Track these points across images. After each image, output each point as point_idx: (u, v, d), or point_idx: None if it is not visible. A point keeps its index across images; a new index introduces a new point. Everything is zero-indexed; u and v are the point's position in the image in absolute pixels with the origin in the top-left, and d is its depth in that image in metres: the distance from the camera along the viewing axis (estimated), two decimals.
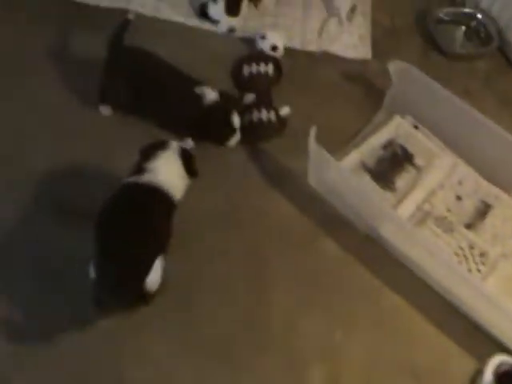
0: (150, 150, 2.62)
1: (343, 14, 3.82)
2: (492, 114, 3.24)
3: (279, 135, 3.23)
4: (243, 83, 3.40)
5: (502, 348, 2.71)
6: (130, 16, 3.11)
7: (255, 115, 3.20)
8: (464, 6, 4.09)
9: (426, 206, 3.13)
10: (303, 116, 3.29)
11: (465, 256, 3.01)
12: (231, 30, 3.61)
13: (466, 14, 4.04)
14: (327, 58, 3.67)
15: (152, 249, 2.45)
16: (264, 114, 3.20)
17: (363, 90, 3.55)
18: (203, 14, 3.65)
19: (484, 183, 3.26)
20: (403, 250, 2.90)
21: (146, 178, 2.54)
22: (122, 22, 3.08)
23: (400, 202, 3.11)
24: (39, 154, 2.98)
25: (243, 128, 3.12)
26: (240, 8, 3.61)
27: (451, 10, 4.06)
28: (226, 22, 3.60)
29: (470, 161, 3.30)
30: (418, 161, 3.30)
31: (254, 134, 3.20)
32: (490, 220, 3.15)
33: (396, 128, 3.36)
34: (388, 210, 2.98)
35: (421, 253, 2.86)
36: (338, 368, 2.62)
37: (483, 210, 3.18)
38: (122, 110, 3.14)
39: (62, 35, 3.40)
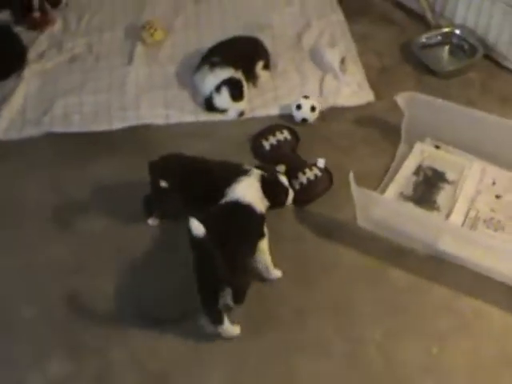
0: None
1: (336, 68, 4.06)
2: (498, 113, 3.52)
3: (331, 185, 3.45)
4: (268, 157, 3.58)
5: None
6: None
7: (302, 178, 3.41)
8: (440, 27, 4.34)
9: (472, 213, 3.30)
10: (332, 169, 3.51)
11: None
12: (241, 114, 3.83)
13: (445, 33, 4.32)
14: (335, 111, 3.89)
15: None
16: (309, 173, 3.42)
17: (378, 130, 3.77)
18: (210, 106, 3.87)
19: None
20: (465, 256, 3.07)
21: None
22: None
23: (448, 216, 3.29)
24: None
25: (297, 193, 3.27)
26: (243, 92, 3.83)
27: (431, 33, 4.32)
28: (234, 108, 3.82)
29: (495, 160, 3.52)
30: (450, 176, 3.49)
31: (309, 194, 3.40)
32: None
33: (420, 153, 3.57)
34: (446, 222, 3.20)
35: (482, 252, 3.03)
36: (446, 377, 2.77)
37: None
38: (169, 217, 3.30)
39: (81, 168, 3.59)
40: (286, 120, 3.81)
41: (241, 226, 2.88)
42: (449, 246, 3.09)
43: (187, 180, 3.15)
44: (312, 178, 3.41)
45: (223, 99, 3.81)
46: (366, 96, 3.96)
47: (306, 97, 3.80)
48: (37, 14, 4.39)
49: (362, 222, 3.26)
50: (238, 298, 2.79)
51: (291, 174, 3.37)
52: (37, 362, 2.81)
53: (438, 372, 2.77)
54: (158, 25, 4.30)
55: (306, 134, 3.73)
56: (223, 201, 2.94)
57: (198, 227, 2.59)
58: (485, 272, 3.05)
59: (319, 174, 3.43)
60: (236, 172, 3.06)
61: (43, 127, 3.75)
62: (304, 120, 3.78)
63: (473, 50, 4.17)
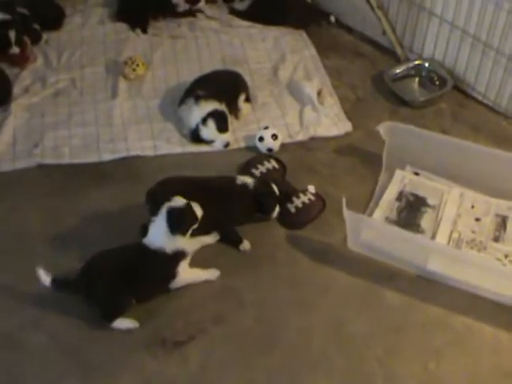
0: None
1: (315, 100, 4.23)
2: (470, 141, 3.78)
3: (324, 208, 3.60)
4: None
5: None
6: None
7: (296, 202, 3.55)
8: (409, 60, 4.56)
9: (455, 235, 3.48)
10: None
11: (504, 265, 3.35)
12: (226, 145, 3.96)
13: (415, 66, 4.55)
14: (316, 141, 4.06)
15: None
16: (303, 197, 3.58)
17: (358, 158, 3.94)
18: (196, 138, 3.99)
19: (492, 200, 3.65)
20: (454, 276, 3.24)
21: None
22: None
23: (432, 238, 3.46)
24: None
25: (293, 216, 3.49)
26: (228, 124, 3.97)
27: (401, 66, 4.54)
28: (220, 139, 3.95)
29: (473, 185, 3.71)
30: (431, 201, 3.67)
31: (305, 216, 3.55)
32: (510, 228, 3.53)
33: (401, 180, 3.75)
34: (434, 243, 3.39)
35: (470, 270, 3.21)
36: None
37: (502, 222, 3.55)
38: None
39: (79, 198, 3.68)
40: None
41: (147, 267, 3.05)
42: (437, 266, 3.24)
43: (191, 198, 3.18)
44: (307, 201, 3.56)
45: (209, 131, 3.93)
46: (344, 126, 4.13)
47: (266, 127, 3.95)
48: (16, 50, 4.42)
49: (353, 246, 3.40)
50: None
51: (285, 199, 3.53)
52: None
53: None
54: (139, 60, 4.42)
55: (290, 163, 3.87)
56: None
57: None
58: (474, 290, 3.22)
59: (313, 198, 3.59)
60: (231, 184, 3.33)
61: (35, 159, 3.82)
62: (269, 150, 3.92)
63: (442, 82, 4.39)
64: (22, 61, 4.51)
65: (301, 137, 4.05)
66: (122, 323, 3.01)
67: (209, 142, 3.98)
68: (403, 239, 3.29)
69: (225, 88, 4.12)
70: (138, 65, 4.40)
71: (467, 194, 3.68)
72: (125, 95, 4.28)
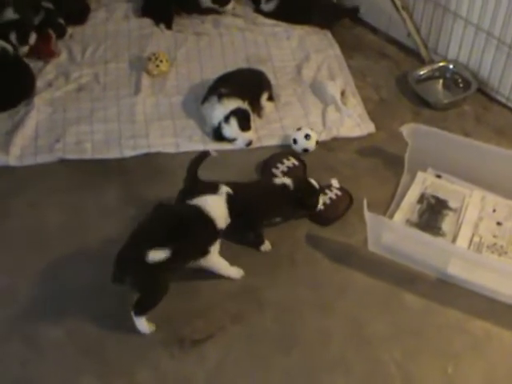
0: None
1: (338, 100, 4.22)
2: (493, 144, 3.78)
3: (352, 203, 3.61)
4: None
5: None
6: (214, 153, 3.43)
7: (324, 198, 3.53)
8: (433, 62, 4.54)
9: (476, 239, 3.45)
10: None
11: None
12: (248, 144, 3.96)
13: (439, 68, 4.53)
14: (338, 142, 4.05)
15: None
16: (330, 193, 3.58)
17: (380, 160, 3.92)
18: (218, 136, 3.99)
19: None
20: (474, 280, 3.22)
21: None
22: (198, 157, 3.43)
23: (453, 242, 3.44)
24: None
25: (322, 213, 3.50)
26: (251, 123, 3.96)
27: (426, 68, 4.53)
28: (242, 138, 3.95)
29: (494, 189, 3.69)
30: (452, 204, 3.65)
31: (333, 212, 3.55)
32: None
33: (422, 182, 3.73)
34: (455, 246, 3.37)
35: (490, 275, 3.20)
36: None
37: None
38: None
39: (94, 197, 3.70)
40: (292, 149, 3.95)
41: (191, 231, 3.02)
42: (458, 270, 3.23)
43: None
44: (334, 197, 3.57)
45: (232, 129, 3.93)
46: (367, 127, 4.11)
47: (299, 129, 3.93)
48: (24, 50, 4.44)
49: (373, 248, 3.39)
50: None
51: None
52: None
53: None
54: (163, 57, 4.43)
55: (311, 163, 3.86)
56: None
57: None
58: (493, 295, 3.20)
59: (339, 193, 3.59)
60: (271, 186, 3.37)
61: (57, 154, 3.84)
62: (305, 150, 3.91)
63: (466, 84, 4.37)
64: (46, 55, 4.53)
65: (323, 137, 4.02)
66: (141, 325, 2.99)
67: (231, 141, 3.98)
68: (424, 242, 3.27)
69: (248, 86, 4.12)
70: (161, 61, 4.40)
71: (489, 198, 3.66)
72: (148, 91, 4.28)
